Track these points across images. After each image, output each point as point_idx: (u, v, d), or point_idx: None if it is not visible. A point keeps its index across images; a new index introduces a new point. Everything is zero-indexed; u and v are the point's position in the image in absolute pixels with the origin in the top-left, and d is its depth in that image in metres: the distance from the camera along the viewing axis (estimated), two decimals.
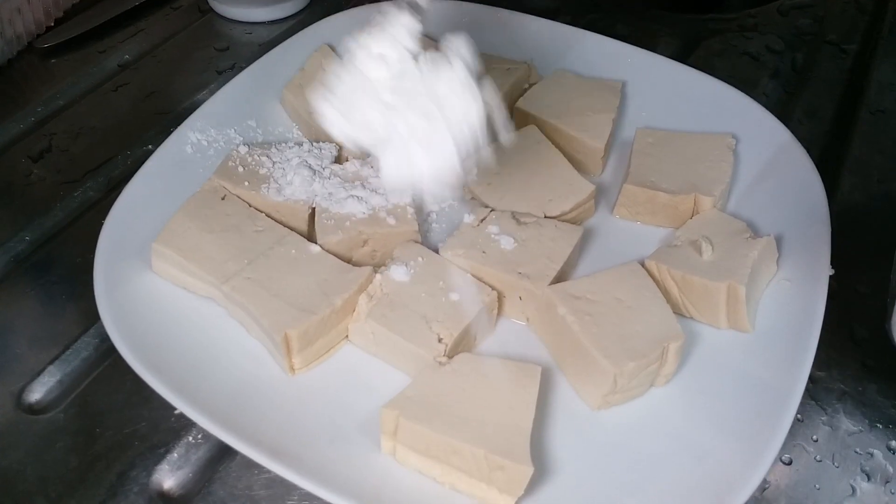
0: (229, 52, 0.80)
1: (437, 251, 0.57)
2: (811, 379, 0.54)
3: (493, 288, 0.54)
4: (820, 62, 0.82)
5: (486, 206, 0.60)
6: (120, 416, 0.52)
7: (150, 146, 0.63)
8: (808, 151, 0.64)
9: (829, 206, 0.60)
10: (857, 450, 0.51)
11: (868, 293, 0.60)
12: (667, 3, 1.01)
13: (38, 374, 0.54)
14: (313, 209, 0.59)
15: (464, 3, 0.76)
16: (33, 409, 0.52)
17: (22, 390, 0.53)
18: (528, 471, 0.43)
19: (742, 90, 0.69)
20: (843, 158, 0.71)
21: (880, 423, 0.53)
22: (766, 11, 0.89)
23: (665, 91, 0.70)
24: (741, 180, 0.64)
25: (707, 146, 0.64)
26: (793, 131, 0.66)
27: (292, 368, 0.52)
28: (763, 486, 0.49)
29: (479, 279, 0.54)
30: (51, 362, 0.54)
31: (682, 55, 0.81)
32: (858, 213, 0.66)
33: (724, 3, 1.04)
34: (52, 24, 0.81)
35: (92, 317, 0.53)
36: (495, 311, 0.55)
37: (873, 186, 0.68)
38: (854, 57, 0.83)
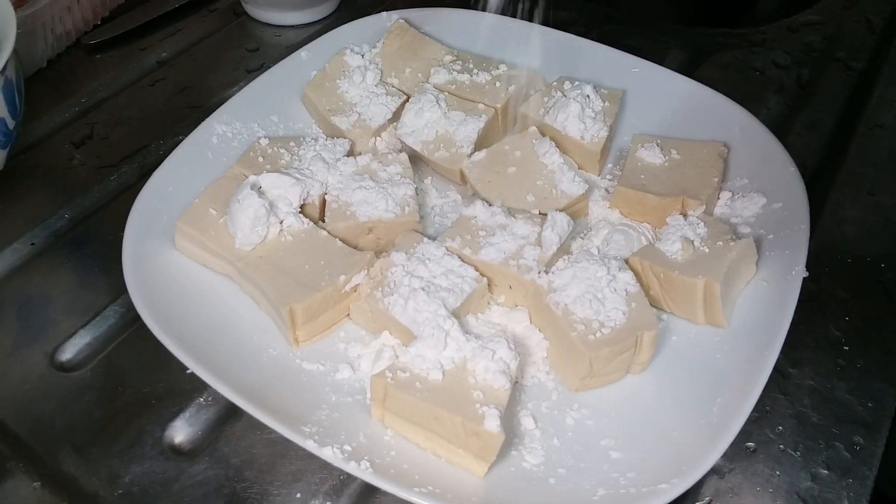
0: (259, 53, 0.86)
1: None
2: (783, 374, 0.58)
3: (483, 276, 0.58)
4: (825, 78, 0.84)
5: (485, 202, 0.64)
6: (140, 377, 0.57)
7: (181, 137, 0.68)
8: (804, 163, 0.66)
9: (821, 214, 0.62)
10: (821, 442, 0.54)
11: (847, 298, 0.63)
12: (682, 17, 1.04)
13: (70, 336, 0.59)
14: (325, 197, 0.64)
15: (480, 12, 0.80)
16: (64, 367, 0.58)
17: (55, 350, 0.59)
18: (500, 437, 0.47)
19: (745, 103, 0.71)
20: (837, 170, 0.73)
21: (846, 420, 0.55)
22: (776, 28, 0.91)
23: (664, 100, 0.73)
24: (730, 186, 0.67)
25: (699, 153, 0.67)
26: (792, 143, 0.68)
27: (296, 340, 0.56)
28: (725, 470, 0.52)
29: (473, 267, 0.59)
30: (82, 327, 0.60)
31: (689, 68, 0.84)
32: (848, 221, 0.68)
33: (740, 20, 1.07)
34: (99, 23, 0.87)
35: (120, 288, 0.58)
36: (486, 297, 0.59)
37: (864, 197, 0.71)
38: (860, 74, 0.85)
